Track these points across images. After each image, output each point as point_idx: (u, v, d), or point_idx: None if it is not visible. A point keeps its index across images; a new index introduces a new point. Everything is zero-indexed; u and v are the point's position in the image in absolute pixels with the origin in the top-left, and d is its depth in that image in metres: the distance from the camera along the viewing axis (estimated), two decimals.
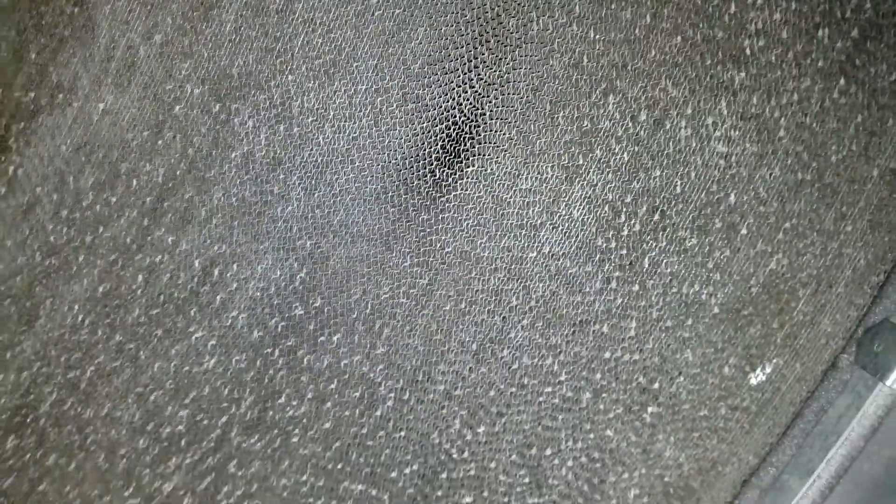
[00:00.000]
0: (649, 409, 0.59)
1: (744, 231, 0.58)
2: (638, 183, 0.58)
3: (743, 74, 0.57)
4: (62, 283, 0.60)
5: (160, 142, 0.58)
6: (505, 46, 0.57)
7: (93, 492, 0.62)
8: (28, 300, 0.60)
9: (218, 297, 0.59)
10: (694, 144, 0.58)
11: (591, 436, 0.59)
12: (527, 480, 0.60)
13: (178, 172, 0.58)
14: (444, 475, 0.60)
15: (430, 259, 0.59)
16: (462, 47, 0.56)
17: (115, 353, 0.60)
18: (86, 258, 0.59)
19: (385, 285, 0.59)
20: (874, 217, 0.57)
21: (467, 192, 0.58)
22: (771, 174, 0.58)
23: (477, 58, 0.57)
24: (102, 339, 0.60)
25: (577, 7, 0.55)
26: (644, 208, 0.58)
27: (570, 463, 0.60)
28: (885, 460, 0.53)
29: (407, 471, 0.61)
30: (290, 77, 0.57)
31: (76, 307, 0.60)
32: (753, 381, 0.59)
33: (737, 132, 0.57)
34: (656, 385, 0.59)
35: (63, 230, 0.59)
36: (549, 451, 0.59)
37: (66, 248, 0.59)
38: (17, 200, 0.59)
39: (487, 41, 0.55)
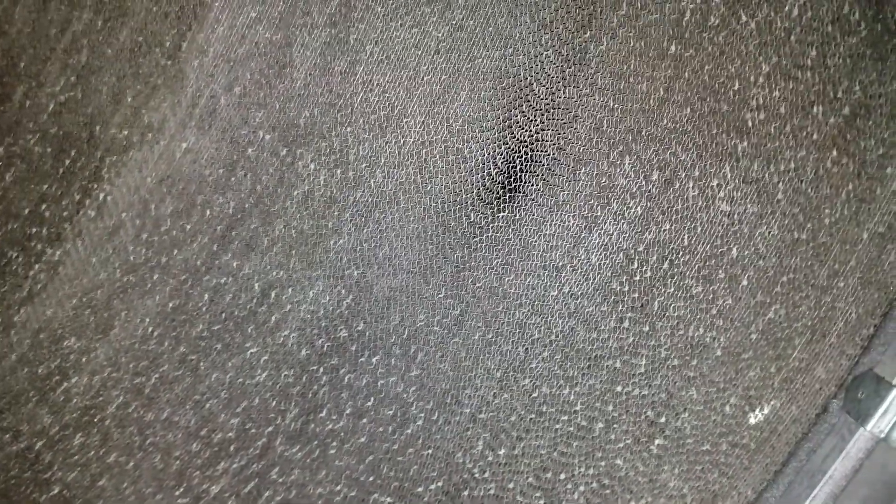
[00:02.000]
0: (656, 442, 0.66)
1: (744, 282, 0.66)
2: (650, 234, 0.66)
3: (745, 143, 0.66)
4: (137, 298, 0.69)
5: (233, 178, 0.68)
6: (535, 110, 0.67)
7: (147, 489, 0.69)
8: (106, 311, 0.69)
9: (273, 318, 0.68)
10: (700, 203, 0.66)
11: (602, 463, 0.66)
12: (541, 502, 0.66)
13: (246, 206, 0.68)
14: (465, 493, 0.67)
15: (463, 292, 0.67)
16: (498, 110, 0.66)
17: (178, 364, 0.69)
18: (160, 277, 0.68)
19: (421, 314, 0.67)
20: (864, 275, 0.65)
21: (498, 235, 0.67)
22: (770, 232, 0.66)
23: (511, 119, 0.67)
24: (168, 350, 0.69)
25: (599, 80, 0.64)
26: (655, 257, 0.66)
27: (581, 488, 0.66)
28: (863, 499, 0.59)
29: (432, 486, 0.68)
30: (348, 129, 0.67)
31: (147, 320, 0.69)
32: (752, 421, 0.65)
33: (739, 193, 0.66)
34: (663, 419, 0.66)
35: (142, 251, 0.68)
36: (563, 476, 0.66)
37: (143, 267, 0.69)
38: (104, 223, 0.69)
39: (520, 105, 0.65)
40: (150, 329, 0.70)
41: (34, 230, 0.70)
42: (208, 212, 0.70)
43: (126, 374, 0.74)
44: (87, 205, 0.72)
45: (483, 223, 0.70)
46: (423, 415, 0.69)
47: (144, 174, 0.70)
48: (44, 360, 0.71)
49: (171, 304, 0.70)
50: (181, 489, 0.71)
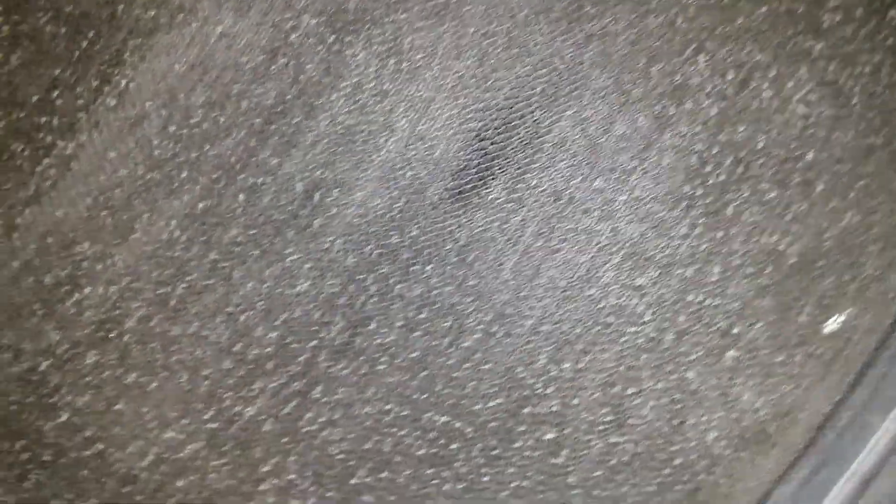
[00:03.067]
0: (729, 353, 0.64)
1: (820, 187, 0.64)
2: (724, 136, 0.64)
3: (822, 44, 0.64)
4: (162, 198, 0.63)
5: (273, 67, 0.62)
6: (606, 2, 0.63)
7: (171, 413, 0.63)
8: (125, 213, 0.63)
9: (316, 222, 0.63)
10: (776, 104, 0.64)
11: (673, 377, 0.64)
12: (609, 419, 0.64)
13: (287, 97, 0.62)
14: (527, 409, 0.64)
15: (525, 196, 0.63)
16: (566, 0, 0.62)
17: (208, 272, 0.63)
18: (189, 174, 0.62)
19: (480, 219, 0.63)
20: None
21: (564, 135, 0.63)
22: (845, 136, 0.64)
23: (580, 10, 0.63)
24: (197, 257, 0.63)
25: None
26: (729, 160, 0.64)
27: (651, 403, 0.64)
28: None
29: (491, 404, 0.64)
30: (403, 15, 0.62)
31: (173, 223, 0.63)
32: (827, 331, 0.63)
33: (815, 96, 0.64)
34: (736, 330, 0.64)
35: (168, 145, 0.62)
36: (630, 391, 0.63)
37: (169, 164, 0.62)
38: (125, 113, 0.62)
39: None
40: (176, 233, 0.64)
41: (44, 120, 0.63)
42: (245, 103, 0.66)
43: (148, 284, 0.67)
44: (105, 92, 0.66)
45: (548, 122, 0.66)
46: (480, 327, 0.65)
47: (173, 60, 0.63)
48: (51, 268, 0.64)
49: (200, 206, 0.64)
50: (211, 412, 0.65)
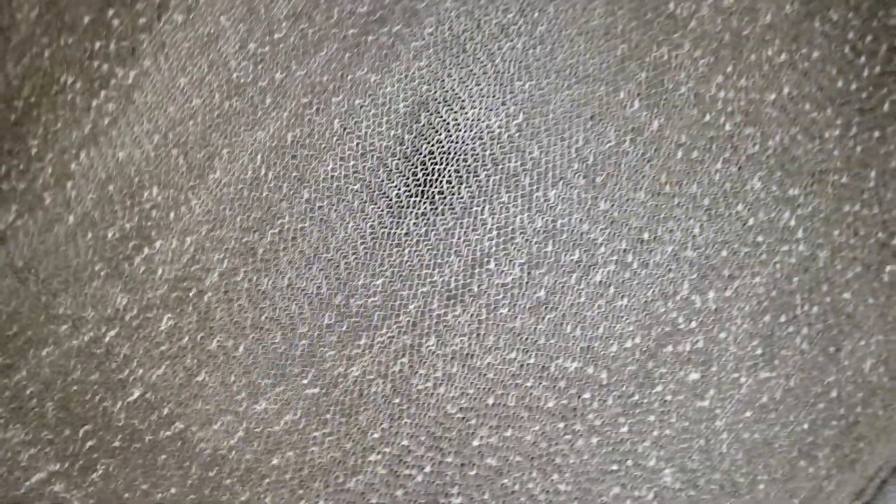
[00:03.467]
0: (888, 268, 0.89)
1: None
2: (877, 21, 0.89)
3: None
4: (244, 130, 0.77)
5: None
6: None
7: (263, 380, 0.86)
8: (201, 150, 0.81)
9: (423, 147, 0.86)
10: None
11: (828, 299, 0.89)
12: (759, 352, 0.89)
13: (386, 2, 0.84)
14: (668, 348, 0.86)
15: (661, 101, 0.88)
16: None
17: (302, 213, 0.85)
18: (274, 100, 0.82)
19: (610, 132, 0.87)
20: None
21: (704, 28, 0.88)
22: None
23: None
24: (288, 196, 0.83)
25: None
26: (884, 47, 0.90)
27: (805, 331, 0.89)
28: None
29: (628, 344, 0.86)
30: None
31: (258, 158, 0.82)
32: None
33: None
34: (895, 241, 0.90)
35: (249, 67, 0.82)
36: (783, 318, 0.89)
37: (251, 89, 0.82)
38: (196, 31, 0.82)
39: None
40: (262, 170, 0.78)
41: (98, 45, 0.75)
42: (336, 12, 0.76)
43: (231, 232, 0.78)
44: (171, 7, 0.75)
45: (686, 13, 0.78)
46: (614, 258, 0.82)
47: None
48: (115, 221, 0.77)
49: (289, 136, 0.78)
50: (310, 375, 0.81)
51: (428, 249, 0.84)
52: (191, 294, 0.82)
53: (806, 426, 0.88)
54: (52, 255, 0.80)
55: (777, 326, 0.82)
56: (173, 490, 0.84)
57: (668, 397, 0.87)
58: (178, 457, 0.84)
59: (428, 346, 0.85)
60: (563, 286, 0.85)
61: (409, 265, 0.84)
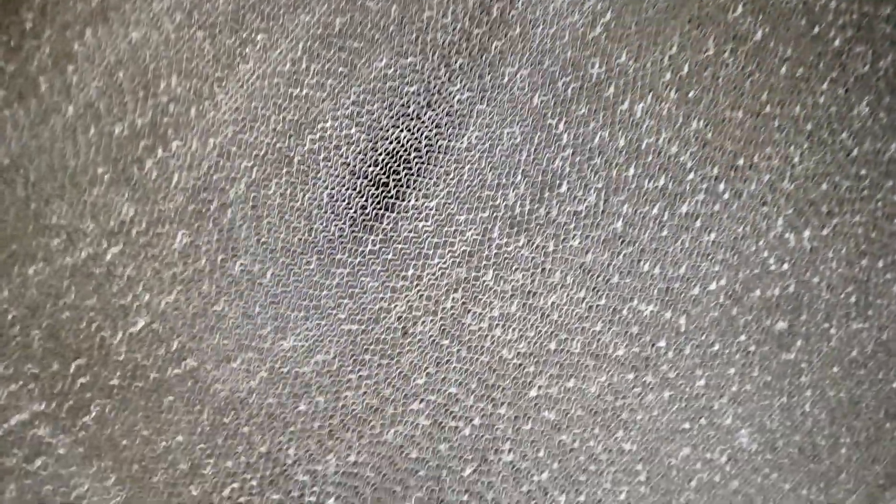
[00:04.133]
0: None
1: None
2: None
3: None
4: (284, 12, 0.71)
5: None
6: None
7: (293, 313, 0.74)
8: (232, 33, 0.71)
9: (494, 45, 0.75)
10: None
11: None
12: (853, 300, 0.81)
13: None
14: (756, 293, 0.78)
15: (768, 7, 0.77)
16: None
17: (348, 117, 0.74)
18: None
19: (709, 40, 0.76)
20: None
21: None
22: None
23: None
24: (332, 95, 0.74)
25: None
26: None
27: None
28: None
29: (712, 287, 0.79)
30: None
31: (300, 47, 0.72)
32: None
33: None
34: None
35: None
36: (881, 264, 0.80)
37: None
38: None
39: None
40: (303, 62, 0.69)
41: None
42: None
43: (263, 136, 0.68)
44: None
45: None
46: (704, 185, 0.74)
47: None
48: (124, 116, 0.68)
49: (338, 22, 0.69)
50: (347, 309, 0.73)
51: (491, 167, 0.75)
52: (211, 207, 0.73)
53: (894, 385, 0.82)
54: (46, 152, 0.70)
55: (874, 272, 0.79)
56: (180, 438, 0.75)
57: (752, 348, 0.80)
58: (188, 399, 0.75)
59: (484, 281, 0.77)
60: (643, 217, 0.78)
61: (469, 185, 0.76)
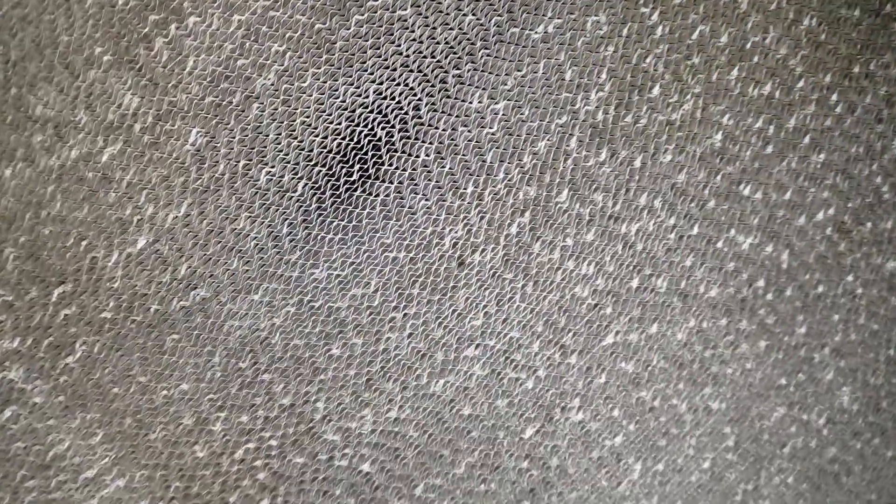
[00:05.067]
0: None
1: None
2: None
3: None
4: None
5: None
6: None
7: (331, 235, 0.64)
8: None
9: None
10: None
11: None
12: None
13: None
14: (867, 225, 0.68)
15: None
16: None
17: None
18: None
19: None
20: None
21: None
22: None
23: None
24: None
25: None
26: None
27: None
28: None
29: (819, 216, 0.68)
30: None
31: None
32: None
33: None
34: None
35: None
36: None
37: None
38: None
39: None
40: None
41: None
42: None
43: (300, 14, 0.61)
44: None
45: None
46: (815, 97, 0.66)
47: None
48: (129, 28, 0.57)
49: None
50: (391, 234, 0.63)
51: (572, 63, 0.64)
52: (234, 101, 0.61)
53: None
54: (32, 24, 0.58)
55: None
56: (184, 386, 0.64)
57: (859, 290, 0.71)
58: (197, 338, 0.63)
59: (558, 203, 0.67)
60: (745, 131, 0.68)
61: (544, 84, 0.64)
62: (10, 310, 0.60)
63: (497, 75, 0.62)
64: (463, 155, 0.63)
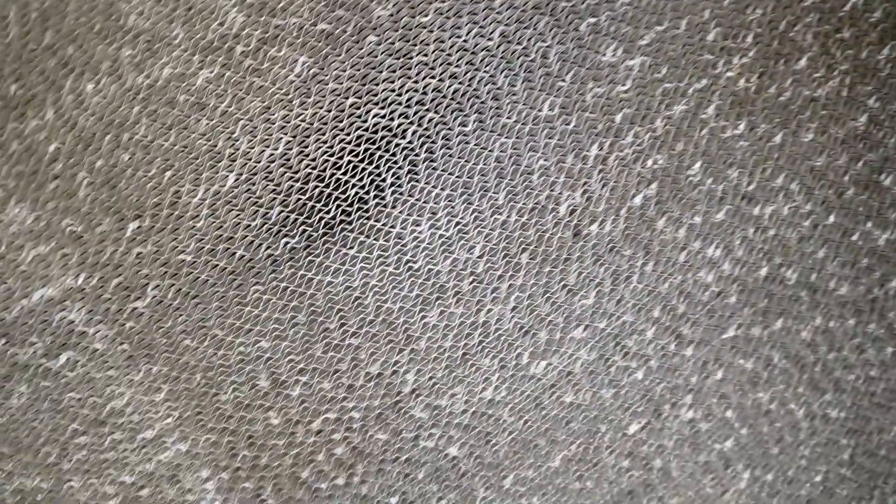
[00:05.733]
0: None
1: None
2: None
3: None
4: None
5: None
6: None
7: (437, 190, 0.58)
8: None
9: None
10: None
11: None
12: None
13: None
14: None
15: None
16: None
17: None
18: None
19: None
20: None
21: None
22: None
23: None
24: None
25: None
26: None
27: None
28: None
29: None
30: None
31: None
32: None
33: None
34: None
35: None
36: None
37: None
38: None
39: None
40: None
41: None
42: None
43: None
44: None
45: None
46: None
47: None
48: None
49: None
50: (508, 209, 0.58)
51: (717, 21, 0.59)
52: (348, 30, 0.55)
53: None
54: None
55: None
56: (264, 343, 0.58)
57: None
58: (283, 291, 0.57)
59: (689, 176, 0.60)
60: (892, 114, 0.63)
61: (686, 43, 0.59)
62: (78, 242, 0.54)
63: (635, 28, 0.57)
64: (590, 113, 0.57)
